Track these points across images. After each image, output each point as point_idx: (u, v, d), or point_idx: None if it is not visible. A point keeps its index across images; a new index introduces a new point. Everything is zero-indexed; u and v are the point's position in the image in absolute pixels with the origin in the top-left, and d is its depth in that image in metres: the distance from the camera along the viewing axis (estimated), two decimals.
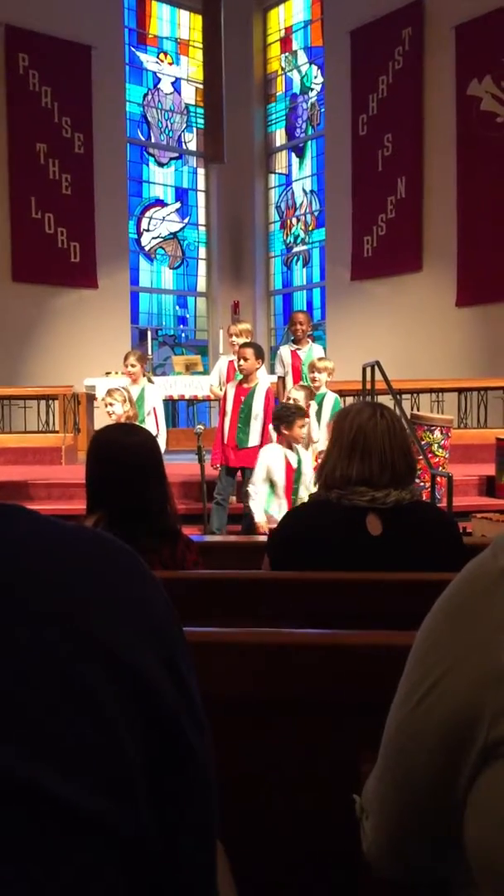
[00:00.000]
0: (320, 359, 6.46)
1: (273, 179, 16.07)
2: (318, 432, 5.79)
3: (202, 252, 16.02)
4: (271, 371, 7.42)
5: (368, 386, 7.20)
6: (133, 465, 2.16)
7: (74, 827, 0.52)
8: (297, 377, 6.89)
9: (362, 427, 2.03)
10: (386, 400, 5.78)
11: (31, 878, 0.49)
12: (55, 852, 0.51)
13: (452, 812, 0.77)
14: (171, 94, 15.54)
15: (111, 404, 5.69)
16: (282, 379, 7.09)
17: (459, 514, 5.64)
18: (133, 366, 6.45)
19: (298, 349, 7.05)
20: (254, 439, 5.91)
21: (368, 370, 7.24)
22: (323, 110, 14.66)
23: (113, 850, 0.54)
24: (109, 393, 5.80)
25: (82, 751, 0.53)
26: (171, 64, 15.51)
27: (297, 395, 5.62)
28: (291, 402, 5.48)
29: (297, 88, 15.49)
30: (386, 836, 0.86)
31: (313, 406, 6.07)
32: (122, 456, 2.17)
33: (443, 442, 6.54)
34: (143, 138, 15.19)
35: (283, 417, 4.98)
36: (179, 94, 15.65)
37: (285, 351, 7.16)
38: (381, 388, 6.94)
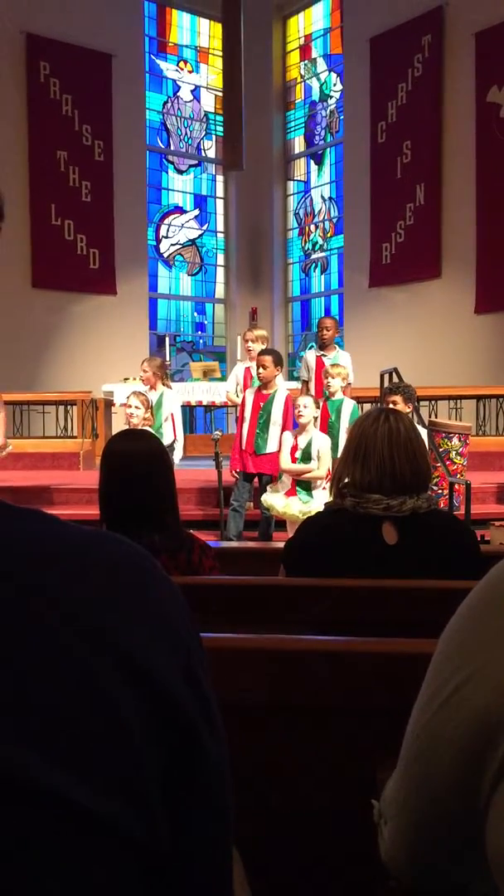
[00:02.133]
0: (334, 365, 6.42)
1: (291, 186, 16.09)
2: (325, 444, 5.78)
3: (220, 259, 16.07)
4: (292, 377, 7.41)
5: (383, 392, 7.18)
6: (139, 470, 2.19)
7: (88, 829, 0.52)
8: (320, 382, 6.87)
9: (364, 432, 2.03)
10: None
11: (42, 881, 0.50)
12: (68, 855, 0.51)
13: (473, 818, 0.76)
14: (190, 101, 15.62)
15: (137, 408, 5.71)
16: (305, 383, 7.06)
17: (477, 523, 5.61)
18: (144, 371, 6.46)
19: (324, 355, 7.01)
20: (272, 445, 5.90)
21: (386, 377, 7.22)
22: (342, 117, 14.68)
23: (126, 853, 0.54)
24: (136, 395, 5.83)
25: (96, 752, 0.53)
26: (190, 72, 15.59)
27: (305, 400, 5.61)
28: (301, 408, 5.52)
29: (316, 96, 15.52)
30: (404, 842, 0.85)
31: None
32: (129, 462, 2.20)
33: (461, 449, 6.50)
34: (162, 146, 15.27)
35: None
36: (199, 101, 15.72)
37: (311, 356, 7.12)
38: None
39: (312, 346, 7.39)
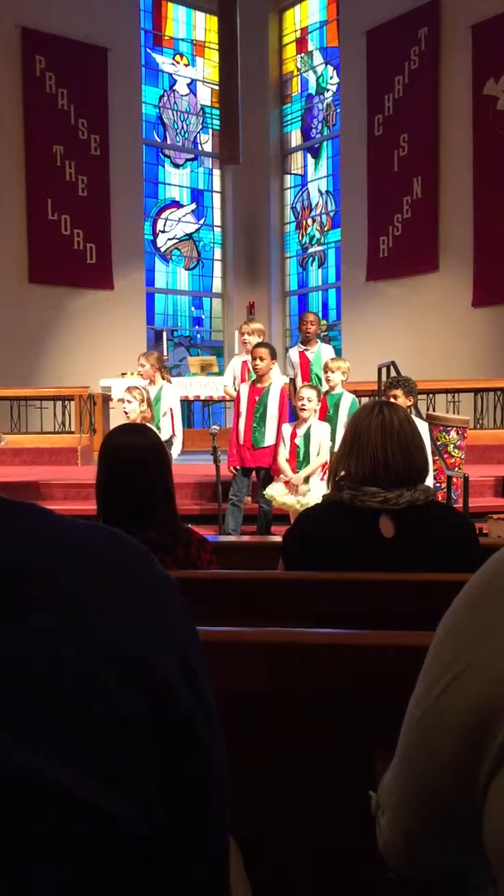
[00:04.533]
0: (334, 359, 6.40)
1: (288, 180, 16.07)
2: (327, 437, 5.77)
3: (217, 253, 16.04)
4: (283, 372, 7.43)
5: (384, 386, 7.18)
6: (136, 465, 2.18)
7: (88, 825, 0.52)
8: (307, 378, 6.88)
9: (358, 425, 2.04)
10: None
11: (43, 876, 0.50)
12: (67, 849, 0.51)
13: (470, 808, 0.76)
14: (186, 95, 15.58)
15: (129, 402, 5.69)
16: (292, 381, 7.08)
17: (475, 516, 5.61)
18: (142, 365, 6.44)
19: (307, 350, 7.05)
20: (269, 439, 5.89)
21: (384, 370, 7.22)
22: (338, 111, 14.65)
23: (125, 848, 0.54)
24: (129, 390, 5.80)
25: (96, 749, 0.53)
26: (186, 65, 15.55)
27: (308, 393, 5.61)
28: (304, 401, 5.53)
29: (312, 89, 15.49)
30: (402, 833, 0.85)
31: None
32: (125, 456, 2.20)
33: (458, 442, 6.50)
34: (158, 140, 15.23)
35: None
36: (195, 95, 15.68)
37: (294, 353, 7.19)
38: None
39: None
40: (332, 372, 6.07)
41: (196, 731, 0.60)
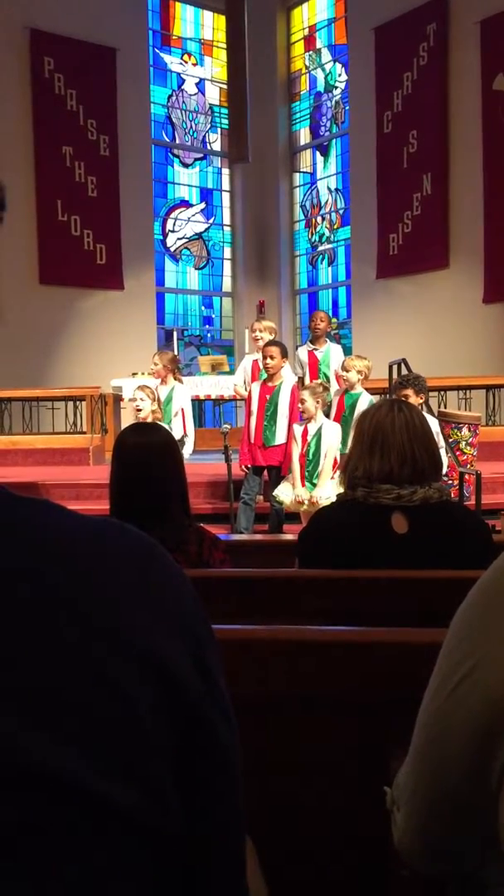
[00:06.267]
0: (351, 357, 6.27)
1: (297, 178, 16.04)
2: (334, 436, 5.74)
3: (227, 252, 16.04)
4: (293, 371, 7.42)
5: (394, 385, 7.15)
6: (149, 464, 2.19)
7: (103, 820, 0.52)
8: (315, 378, 6.86)
9: (380, 423, 2.04)
10: None
11: (57, 870, 0.50)
12: (83, 844, 0.51)
13: (485, 802, 0.76)
14: (195, 94, 15.58)
15: (142, 400, 5.70)
16: (301, 379, 7.06)
17: (488, 513, 5.59)
18: (156, 364, 6.43)
19: (316, 349, 7.05)
20: (280, 437, 5.89)
21: (395, 368, 7.20)
22: (347, 108, 14.62)
23: (141, 844, 0.54)
24: (141, 389, 5.82)
25: (112, 744, 0.53)
26: (195, 65, 15.55)
27: (302, 394, 5.62)
28: (299, 404, 5.53)
29: (321, 87, 15.46)
30: (417, 828, 0.86)
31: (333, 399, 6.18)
32: (139, 455, 2.20)
33: (471, 439, 6.48)
34: (167, 139, 15.24)
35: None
36: (204, 94, 15.68)
37: (303, 352, 7.20)
38: None
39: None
40: (348, 371, 6.00)
41: (211, 727, 0.60)
